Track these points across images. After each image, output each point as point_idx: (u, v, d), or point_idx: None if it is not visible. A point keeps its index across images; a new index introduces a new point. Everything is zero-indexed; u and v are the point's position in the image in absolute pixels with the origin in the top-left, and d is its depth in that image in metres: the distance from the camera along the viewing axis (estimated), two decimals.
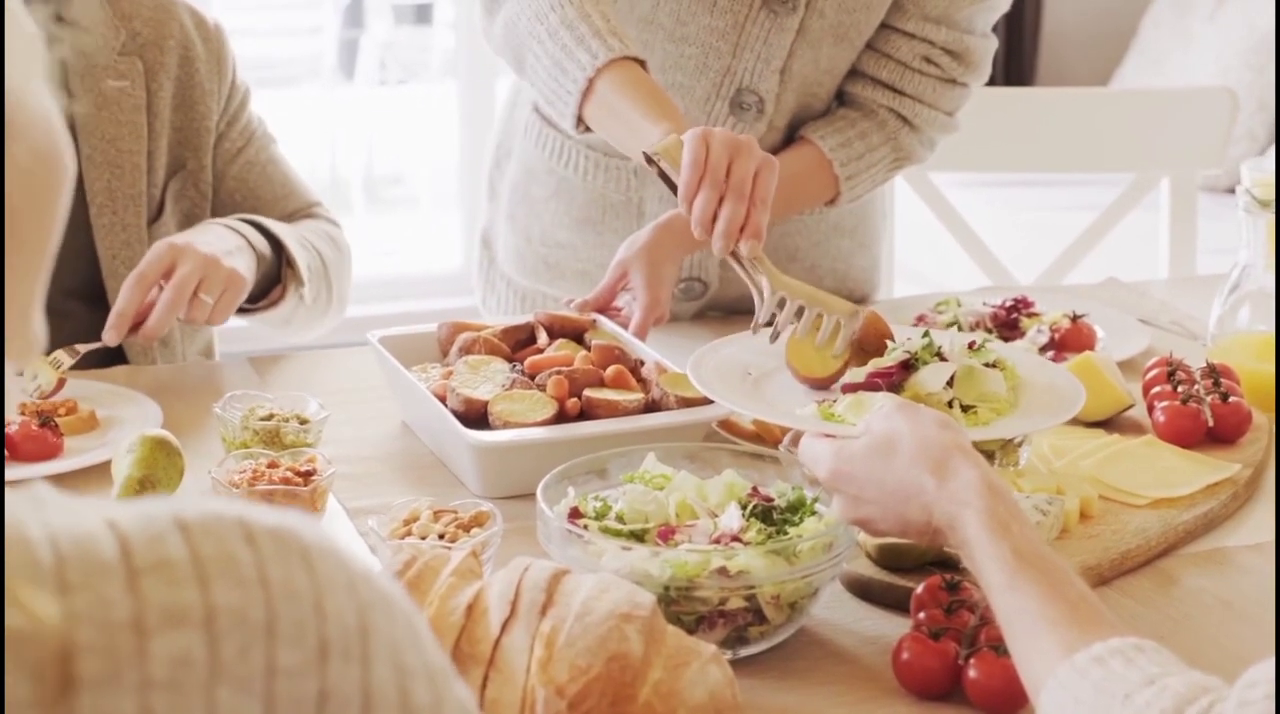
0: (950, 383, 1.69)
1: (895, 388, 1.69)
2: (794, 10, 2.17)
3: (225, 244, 2.08)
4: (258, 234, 2.16)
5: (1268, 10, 4.67)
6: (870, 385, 1.70)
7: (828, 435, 1.52)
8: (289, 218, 2.32)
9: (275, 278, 2.19)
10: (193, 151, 2.27)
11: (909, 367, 1.71)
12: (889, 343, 1.79)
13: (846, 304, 1.83)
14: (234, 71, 2.32)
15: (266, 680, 0.76)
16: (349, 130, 6.87)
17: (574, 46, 2.01)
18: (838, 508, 1.49)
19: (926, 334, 1.75)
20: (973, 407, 1.68)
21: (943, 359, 1.71)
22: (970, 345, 1.74)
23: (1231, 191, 4.62)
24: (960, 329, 2.20)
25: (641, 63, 2.01)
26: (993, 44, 2.29)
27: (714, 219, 1.83)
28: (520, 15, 2.08)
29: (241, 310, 2.17)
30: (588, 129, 2.04)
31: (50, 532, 0.76)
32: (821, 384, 1.78)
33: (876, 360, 1.75)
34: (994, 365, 1.72)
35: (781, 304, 1.82)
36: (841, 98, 2.30)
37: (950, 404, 1.67)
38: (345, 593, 0.80)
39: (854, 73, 2.27)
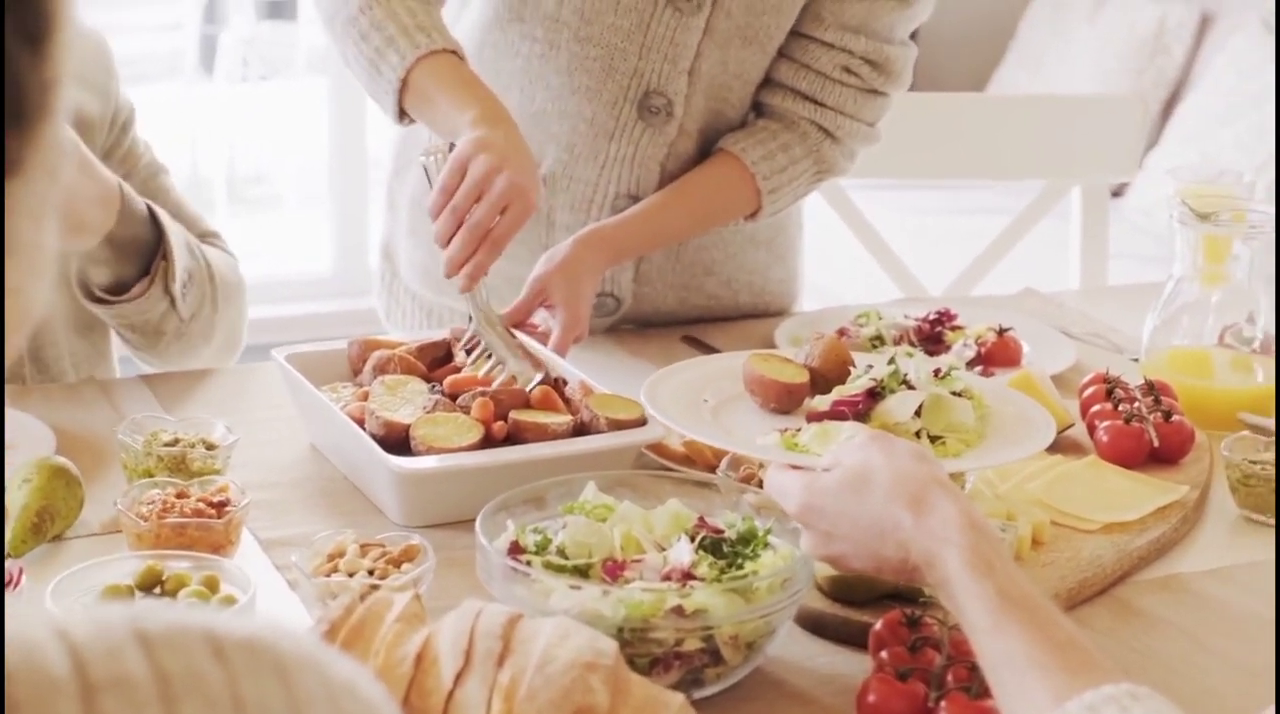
0: (918, 412, 1.62)
1: (862, 417, 1.62)
2: (699, 9, 2.10)
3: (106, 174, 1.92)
4: (142, 207, 1.97)
5: (1147, 12, 4.68)
6: (836, 414, 1.62)
7: (795, 467, 1.44)
8: None
9: (145, 270, 2.00)
10: None
11: (875, 395, 1.64)
12: (851, 370, 1.72)
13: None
14: (118, 90, 2.13)
15: None
16: (210, 128, 6.72)
17: (384, 48, 2.03)
18: (807, 544, 1.42)
19: (893, 360, 1.68)
20: (941, 437, 1.61)
21: (910, 387, 1.64)
22: (936, 372, 1.67)
23: (1118, 196, 4.63)
24: (884, 343, 2.14)
25: (456, 53, 2.03)
26: (913, 52, 2.23)
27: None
28: (335, 17, 2.08)
29: (101, 301, 2.00)
30: (412, 120, 2.07)
31: None
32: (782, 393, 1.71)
33: (841, 388, 1.67)
34: (960, 394, 1.65)
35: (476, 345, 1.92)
36: (761, 109, 2.23)
37: (918, 434, 1.60)
38: (326, 708, 0.71)
39: (773, 84, 2.20)
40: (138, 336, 2.06)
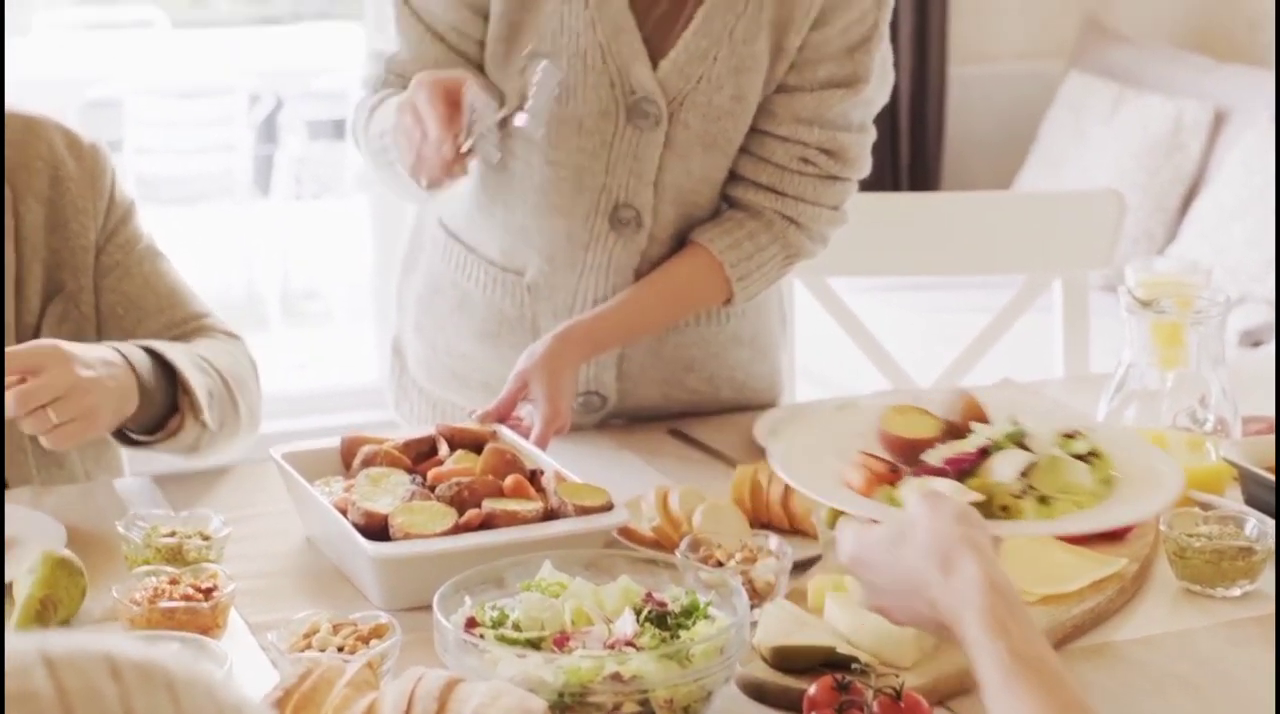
0: (1027, 473, 1.65)
1: (967, 474, 1.64)
2: (657, 124, 2.23)
3: (106, 357, 2.04)
4: (146, 358, 2.11)
5: (1161, 113, 4.78)
6: (939, 471, 1.66)
7: (869, 520, 1.55)
8: (174, 327, 2.27)
9: (172, 406, 2.15)
10: (71, 273, 2.23)
11: (987, 453, 1.67)
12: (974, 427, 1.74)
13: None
14: (114, 188, 2.27)
15: None
16: (265, 245, 6.90)
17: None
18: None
19: (1016, 421, 1.71)
20: (1051, 498, 1.63)
21: (1025, 448, 1.67)
22: (1067, 435, 1.70)
23: None
24: None
25: None
26: (870, 137, 2.32)
27: None
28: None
29: (139, 443, 2.16)
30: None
31: None
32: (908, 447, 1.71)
33: (958, 443, 1.70)
34: (1087, 456, 1.68)
35: None
36: (729, 202, 2.34)
37: (1023, 494, 1.63)
38: None
39: (736, 178, 2.31)
40: (176, 454, 2.21)
